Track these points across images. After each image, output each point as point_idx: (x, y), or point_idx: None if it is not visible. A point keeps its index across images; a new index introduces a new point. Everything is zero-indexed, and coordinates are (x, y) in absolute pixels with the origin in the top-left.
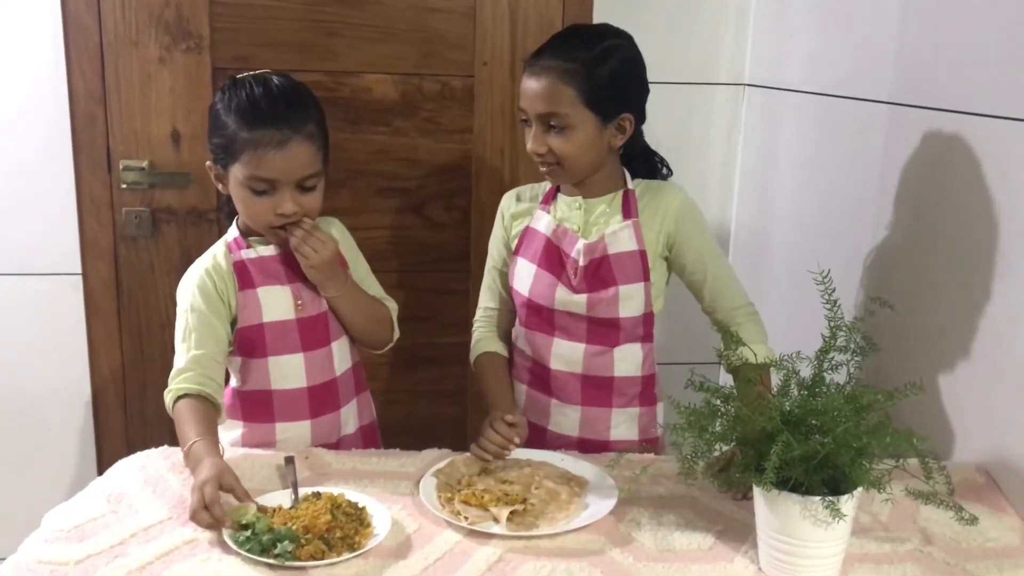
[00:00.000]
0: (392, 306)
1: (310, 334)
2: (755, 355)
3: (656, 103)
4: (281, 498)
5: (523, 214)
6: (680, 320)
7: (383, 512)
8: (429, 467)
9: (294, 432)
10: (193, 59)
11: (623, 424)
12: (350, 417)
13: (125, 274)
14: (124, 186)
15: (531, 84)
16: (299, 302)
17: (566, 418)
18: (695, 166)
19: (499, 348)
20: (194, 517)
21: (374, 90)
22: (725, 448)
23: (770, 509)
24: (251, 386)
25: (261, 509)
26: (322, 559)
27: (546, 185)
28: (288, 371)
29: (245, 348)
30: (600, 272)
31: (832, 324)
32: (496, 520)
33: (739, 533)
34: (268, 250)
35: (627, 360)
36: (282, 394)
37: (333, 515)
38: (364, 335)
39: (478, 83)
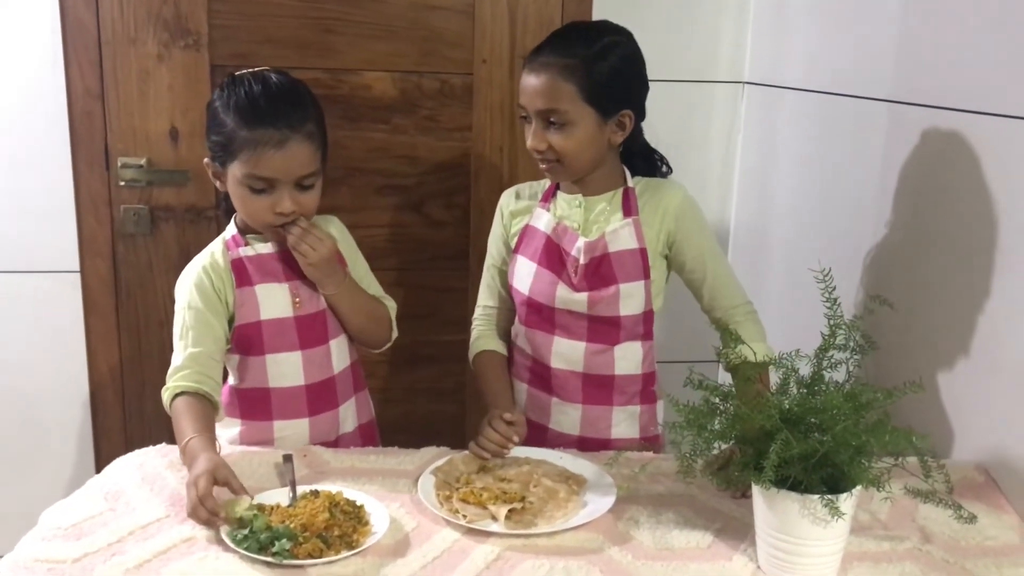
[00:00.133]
0: (391, 305)
1: (308, 332)
2: (754, 353)
3: (655, 101)
4: (279, 496)
5: (523, 212)
6: (679, 318)
7: (381, 510)
8: (427, 465)
9: (292, 430)
10: (191, 56)
11: (624, 422)
12: (348, 415)
13: (123, 272)
14: (122, 183)
15: (531, 80)
16: (297, 300)
17: (567, 417)
18: (694, 164)
19: (498, 346)
20: (192, 514)
21: (373, 88)
22: (724, 446)
23: (769, 507)
24: (249, 384)
25: (260, 507)
26: (320, 557)
27: (545, 183)
28: (286, 369)
29: (243, 346)
30: (601, 270)
31: (831, 322)
32: (494, 518)
33: (738, 531)
34: (266, 248)
35: (627, 358)
36: (280, 392)
37: (331, 513)
38: (362, 333)
39: (477, 81)
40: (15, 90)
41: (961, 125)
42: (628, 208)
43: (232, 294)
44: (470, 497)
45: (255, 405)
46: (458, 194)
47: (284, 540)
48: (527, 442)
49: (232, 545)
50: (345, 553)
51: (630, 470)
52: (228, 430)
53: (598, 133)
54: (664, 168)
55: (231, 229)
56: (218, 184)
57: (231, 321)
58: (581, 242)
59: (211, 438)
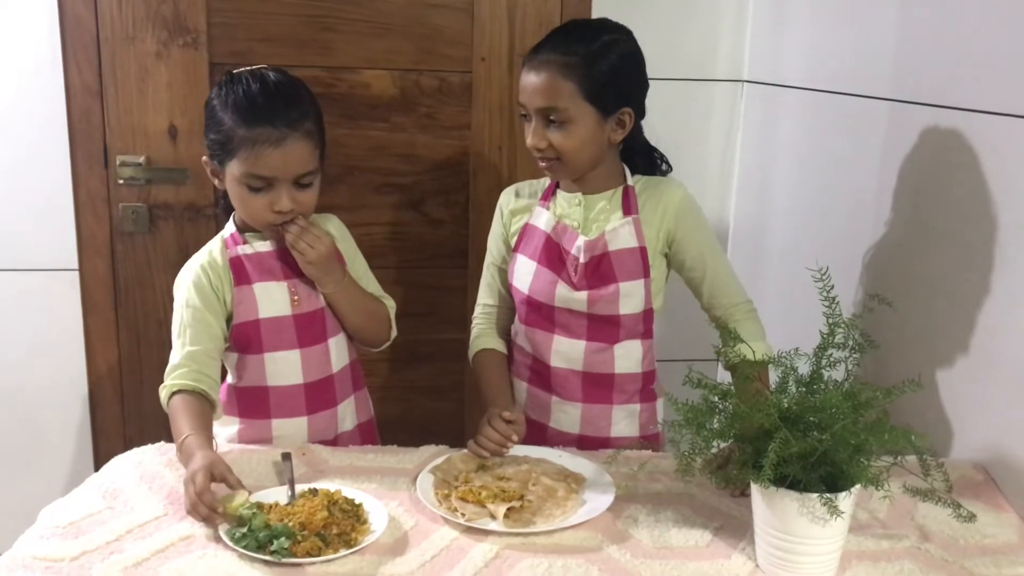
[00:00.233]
0: (390, 304)
1: (306, 330)
2: (753, 352)
3: (654, 99)
4: (278, 494)
5: (522, 210)
6: (678, 317)
7: (380, 508)
8: (426, 463)
9: (290, 428)
10: (190, 54)
11: (623, 421)
12: (347, 414)
13: (122, 270)
14: (121, 182)
15: (530, 78)
16: (295, 298)
17: (567, 415)
18: (693, 163)
19: (498, 345)
20: (191, 510)
21: (372, 86)
22: (723, 445)
23: (768, 506)
24: (247, 382)
25: (258, 506)
26: (318, 556)
27: (545, 181)
28: (284, 367)
29: (241, 344)
30: (600, 269)
31: (830, 321)
32: (493, 517)
33: (736, 530)
34: (265, 246)
35: (627, 357)
36: (278, 390)
37: (330, 511)
38: (361, 332)
39: (476, 79)
40: (13, 88)
41: (960, 123)
42: (628, 207)
43: (230, 292)
44: (469, 496)
45: (253, 403)
46: (457, 192)
47: (282, 538)
48: (526, 441)
49: (230, 543)
50: (343, 552)
51: (629, 469)
52: (226, 428)
53: (598, 131)
54: (664, 166)
55: (230, 227)
56: (216, 182)
57: (229, 319)
58: (581, 241)
59: (208, 436)
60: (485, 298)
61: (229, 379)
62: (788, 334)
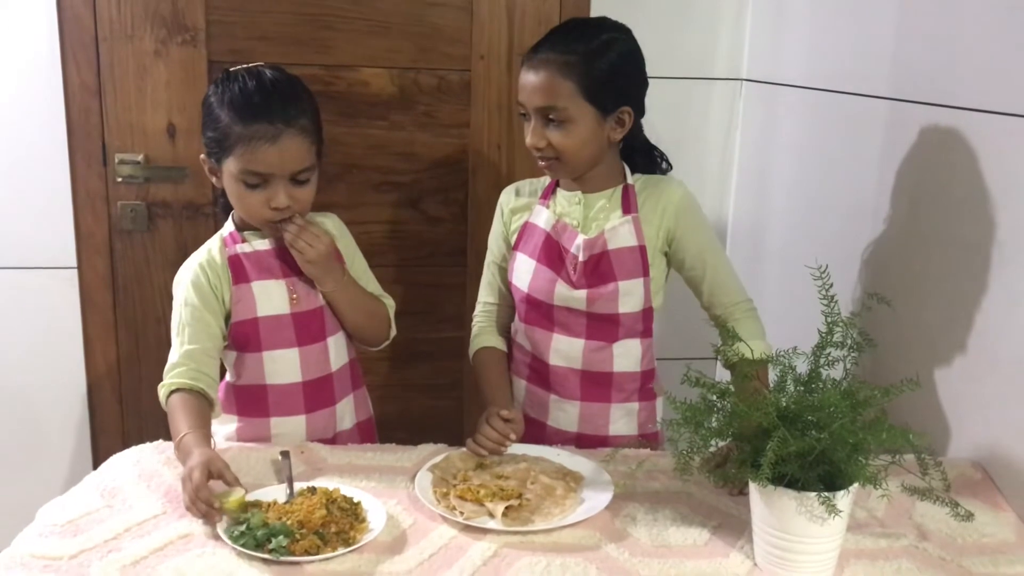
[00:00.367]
0: (389, 303)
1: (305, 329)
2: (752, 351)
3: (653, 98)
4: (276, 493)
5: (522, 209)
6: (678, 315)
7: (378, 507)
8: (425, 462)
9: (289, 427)
10: (189, 52)
11: (622, 419)
12: (346, 413)
13: (120, 268)
14: (119, 180)
15: (530, 77)
16: (294, 296)
17: (565, 414)
18: (692, 161)
19: (498, 343)
20: (190, 507)
21: (371, 84)
22: (721, 443)
23: (766, 505)
24: (245, 380)
25: (256, 504)
26: (317, 554)
27: (545, 180)
28: (282, 366)
29: (240, 342)
30: (600, 268)
31: (829, 320)
32: (492, 515)
33: (735, 529)
34: (263, 244)
35: (626, 356)
36: (276, 389)
37: (328, 510)
38: (360, 331)
39: (475, 77)
40: (12, 87)
41: (959, 122)
42: (628, 205)
43: (229, 291)
44: (467, 494)
45: (252, 402)
46: (456, 191)
47: (281, 537)
48: (525, 439)
49: (229, 542)
50: (342, 550)
51: (627, 467)
52: (225, 426)
53: (597, 130)
54: (664, 165)
55: (228, 226)
56: (214, 180)
57: (228, 318)
58: (580, 239)
59: (206, 434)
60: (485, 296)
61: (228, 377)
62: (787, 333)
